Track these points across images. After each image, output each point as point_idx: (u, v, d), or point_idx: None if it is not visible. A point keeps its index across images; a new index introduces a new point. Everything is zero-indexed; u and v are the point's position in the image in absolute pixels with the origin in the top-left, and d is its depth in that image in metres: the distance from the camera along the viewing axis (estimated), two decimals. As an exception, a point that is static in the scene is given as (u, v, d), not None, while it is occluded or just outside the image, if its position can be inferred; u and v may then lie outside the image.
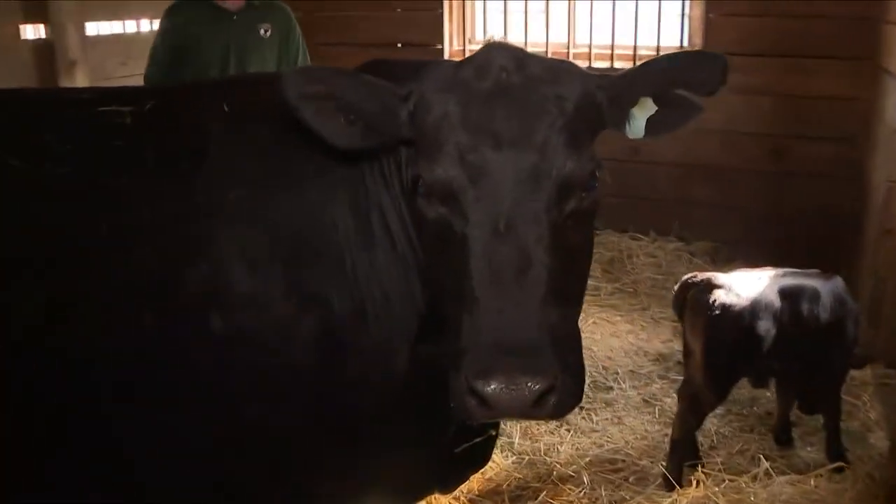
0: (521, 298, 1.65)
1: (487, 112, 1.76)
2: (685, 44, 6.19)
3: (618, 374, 4.76)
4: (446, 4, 6.48)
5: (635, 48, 6.17)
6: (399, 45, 6.48)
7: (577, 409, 4.37)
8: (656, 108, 1.94)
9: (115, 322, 1.90)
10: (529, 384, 1.57)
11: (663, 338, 5.18)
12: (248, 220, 1.99)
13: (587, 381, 4.58)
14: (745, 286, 3.63)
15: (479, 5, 6.61)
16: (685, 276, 3.89)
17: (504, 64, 1.82)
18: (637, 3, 6.12)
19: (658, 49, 6.13)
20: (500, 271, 1.67)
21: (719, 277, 3.72)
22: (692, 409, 3.73)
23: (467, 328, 1.67)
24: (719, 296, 3.59)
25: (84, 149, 2.03)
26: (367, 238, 2.02)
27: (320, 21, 6.77)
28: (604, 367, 4.83)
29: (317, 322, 1.96)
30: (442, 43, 6.50)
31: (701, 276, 3.79)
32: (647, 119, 1.95)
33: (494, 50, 1.87)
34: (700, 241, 6.20)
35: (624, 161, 6.04)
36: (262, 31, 4.77)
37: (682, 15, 6.16)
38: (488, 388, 1.57)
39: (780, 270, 3.76)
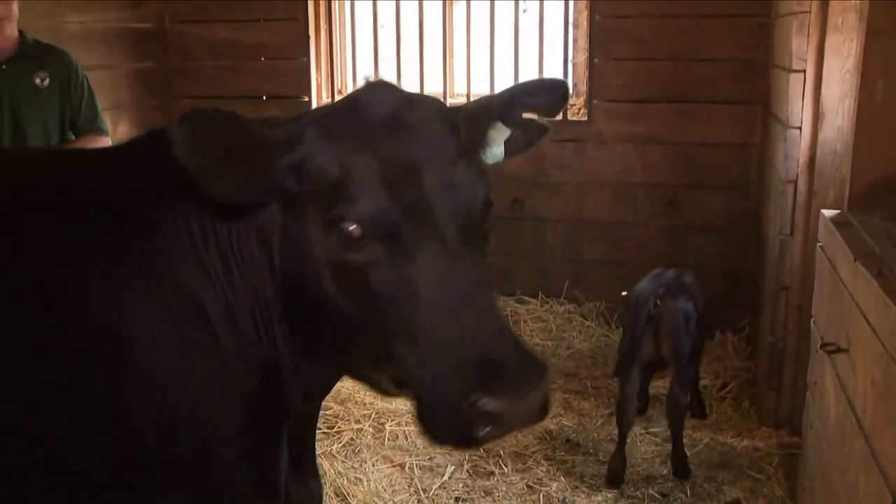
0: (491, 316, 1.71)
1: (401, 144, 1.75)
2: (570, 91, 5.84)
3: (500, 456, 4.30)
4: (312, 54, 6.04)
5: (516, 96, 5.77)
6: (264, 97, 6.01)
7: (452, 501, 3.94)
8: (510, 131, 2.05)
9: None
10: (535, 393, 1.62)
11: (552, 413, 4.69)
12: (16, 320, 1.74)
13: (465, 466, 4.19)
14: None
15: (348, 54, 6.18)
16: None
17: (396, 98, 1.84)
18: (517, 50, 5.76)
19: (540, 98, 5.75)
20: (461, 296, 1.70)
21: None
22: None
23: (449, 357, 1.65)
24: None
25: None
26: (177, 337, 1.84)
27: (180, 72, 6.32)
28: (485, 450, 4.35)
29: (115, 435, 1.78)
30: (309, 95, 6.05)
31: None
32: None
33: (379, 87, 1.90)
34: (593, 302, 5.79)
35: (508, 218, 5.64)
36: (37, 81, 4.18)
37: (566, 61, 5.83)
38: (500, 406, 1.58)
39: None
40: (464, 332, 1.66)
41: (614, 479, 4.04)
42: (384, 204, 1.70)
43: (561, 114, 5.70)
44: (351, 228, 1.70)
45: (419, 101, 1.86)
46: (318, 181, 1.74)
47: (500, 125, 2.04)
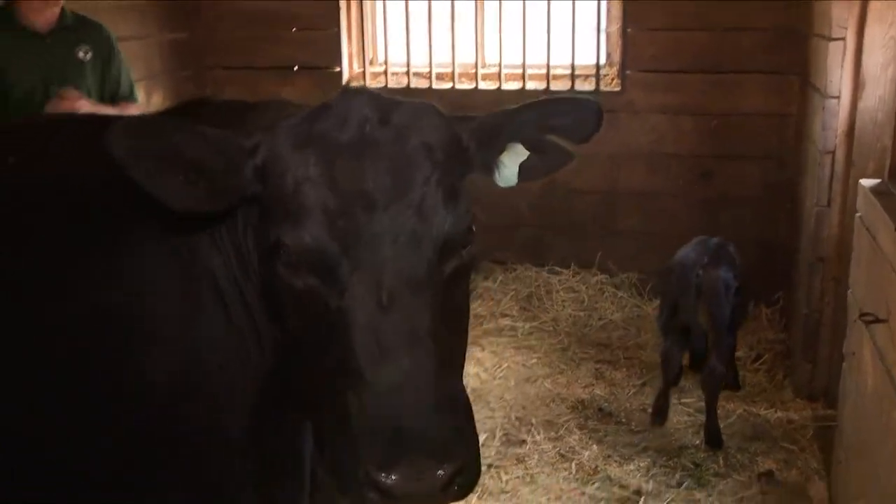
0: (415, 375, 1.50)
1: (355, 171, 1.59)
2: (602, 61, 5.79)
3: (532, 424, 4.32)
4: (344, 24, 6.02)
5: (548, 67, 5.74)
6: (296, 68, 6.01)
7: (485, 468, 3.96)
8: (528, 154, 1.82)
9: None
10: (439, 471, 1.44)
11: (584, 382, 4.74)
12: (44, 290, 1.72)
13: (498, 434, 4.22)
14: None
15: (379, 25, 6.12)
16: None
17: (366, 114, 1.65)
18: (549, 20, 5.70)
19: (573, 67, 5.72)
20: (388, 347, 1.51)
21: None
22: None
23: (356, 412, 1.50)
24: None
25: None
26: (194, 308, 1.82)
27: (212, 43, 6.29)
28: (517, 418, 4.40)
29: (135, 403, 1.75)
30: (340, 65, 6.04)
31: None
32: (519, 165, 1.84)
33: (354, 98, 1.70)
34: (625, 273, 5.77)
35: (541, 189, 5.61)
36: (81, 55, 4.19)
37: (599, 30, 5.76)
38: (393, 481, 1.43)
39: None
40: (375, 393, 1.49)
41: (661, 416, 4.25)
42: (321, 237, 1.56)
43: (594, 83, 5.69)
44: (288, 252, 1.60)
45: (398, 114, 1.67)
46: (274, 190, 1.65)
47: (518, 147, 1.82)
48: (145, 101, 5.48)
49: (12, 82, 4.06)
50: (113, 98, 4.41)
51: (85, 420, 1.73)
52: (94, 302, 1.75)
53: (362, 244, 1.55)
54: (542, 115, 1.81)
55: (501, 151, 1.82)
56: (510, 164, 1.82)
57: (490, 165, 1.82)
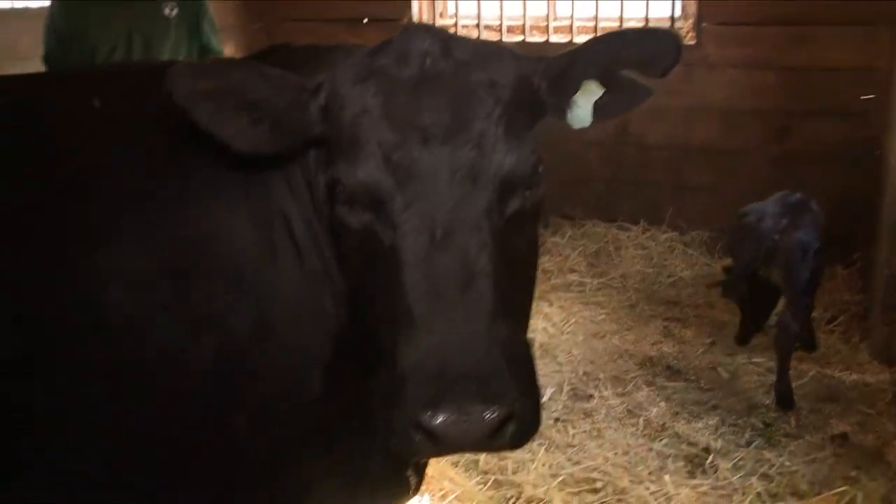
0: (466, 316, 1.46)
1: (413, 104, 1.57)
2: (678, 14, 5.65)
3: (599, 380, 4.31)
4: (414, -24, 5.99)
5: (622, 20, 5.63)
6: (365, 20, 6.00)
7: (551, 421, 3.96)
8: (602, 92, 1.75)
9: None
10: (486, 414, 1.39)
11: (652, 339, 4.70)
12: (125, 233, 1.70)
13: (565, 388, 4.21)
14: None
15: (450, -24, 6.10)
16: None
17: (427, 49, 1.62)
18: (624, -29, 5.59)
19: (647, 20, 5.61)
20: (439, 286, 1.48)
21: None
22: None
23: (405, 353, 1.46)
24: None
25: None
26: (269, 251, 1.78)
27: (282, -4, 6.32)
28: (584, 373, 4.38)
29: (211, 347, 1.72)
30: (410, 17, 6.01)
31: None
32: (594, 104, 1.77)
33: (415, 33, 1.66)
34: (696, 231, 5.68)
35: (612, 143, 5.53)
36: (167, 11, 4.21)
37: (675, -18, 5.63)
38: (437, 422, 1.38)
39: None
40: (425, 332, 1.45)
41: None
42: (374, 171, 1.53)
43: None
44: (344, 190, 1.59)
45: (461, 50, 1.63)
46: (334, 128, 1.63)
47: (592, 84, 1.74)
48: (217, 53, 5.54)
49: (96, 35, 4.12)
50: (202, 56, 4.45)
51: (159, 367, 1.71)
52: (163, 246, 1.72)
53: (416, 179, 1.52)
54: (617, 48, 1.72)
55: (575, 91, 1.74)
56: (584, 104, 1.76)
57: (563, 106, 1.75)
